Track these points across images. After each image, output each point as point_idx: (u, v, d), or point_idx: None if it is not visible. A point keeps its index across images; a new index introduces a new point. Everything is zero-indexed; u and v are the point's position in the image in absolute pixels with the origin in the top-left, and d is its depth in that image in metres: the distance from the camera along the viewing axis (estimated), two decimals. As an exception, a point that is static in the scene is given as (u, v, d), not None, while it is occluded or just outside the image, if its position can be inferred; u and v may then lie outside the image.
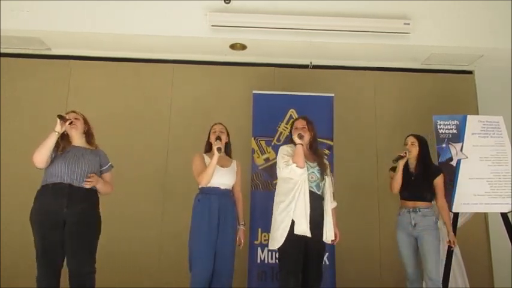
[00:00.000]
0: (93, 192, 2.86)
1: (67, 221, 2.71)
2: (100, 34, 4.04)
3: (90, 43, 4.28)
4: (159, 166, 4.23)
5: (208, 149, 3.20)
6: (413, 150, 3.34)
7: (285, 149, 3.03)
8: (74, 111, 2.99)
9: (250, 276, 3.67)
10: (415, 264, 3.25)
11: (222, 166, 3.10)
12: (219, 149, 2.98)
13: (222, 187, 3.07)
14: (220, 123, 3.27)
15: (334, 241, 3.02)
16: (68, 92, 4.37)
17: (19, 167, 4.13)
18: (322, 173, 2.98)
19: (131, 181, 4.11)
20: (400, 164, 3.29)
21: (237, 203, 3.18)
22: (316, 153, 3.08)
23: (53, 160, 2.81)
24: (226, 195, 3.08)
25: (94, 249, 2.80)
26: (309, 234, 2.80)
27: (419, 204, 3.23)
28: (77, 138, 2.94)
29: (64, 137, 2.89)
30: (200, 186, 3.08)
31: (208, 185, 3.03)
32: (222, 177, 3.07)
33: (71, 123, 2.82)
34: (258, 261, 3.69)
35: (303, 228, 2.80)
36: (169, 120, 4.37)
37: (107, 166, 3.01)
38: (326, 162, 3.10)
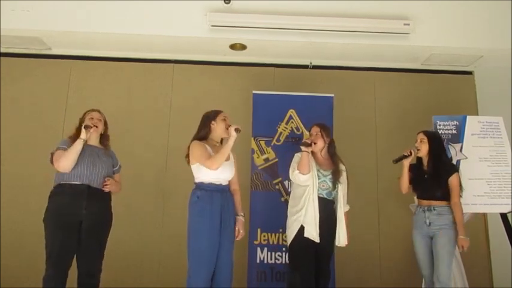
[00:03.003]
0: (107, 193, 2.94)
1: (84, 221, 2.77)
2: (100, 34, 4.05)
3: (90, 43, 4.28)
4: (159, 166, 4.23)
5: (205, 136, 2.97)
6: (423, 148, 3.21)
7: (297, 157, 3.10)
8: (98, 111, 3.06)
9: (250, 277, 3.67)
10: (431, 265, 3.11)
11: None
12: (237, 130, 2.78)
13: (224, 183, 2.89)
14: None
15: (346, 244, 3.12)
16: (68, 92, 4.37)
17: (19, 167, 4.14)
18: (335, 182, 3.05)
19: (131, 181, 4.10)
20: (405, 164, 3.19)
21: (235, 195, 2.99)
22: (332, 159, 3.13)
23: None
24: (226, 191, 2.91)
25: (104, 249, 2.90)
26: (317, 240, 2.91)
27: (434, 203, 3.12)
28: (93, 138, 3.00)
29: (78, 134, 2.91)
30: (198, 181, 2.87)
31: (210, 180, 2.82)
32: (225, 171, 2.88)
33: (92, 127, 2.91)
34: (258, 261, 3.69)
35: (312, 234, 2.92)
36: (169, 120, 4.37)
37: (117, 167, 3.10)
38: (342, 168, 3.14)
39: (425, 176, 3.20)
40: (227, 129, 2.89)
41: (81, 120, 3.02)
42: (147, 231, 4.09)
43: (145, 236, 4.08)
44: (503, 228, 3.67)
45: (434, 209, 3.11)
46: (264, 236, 3.72)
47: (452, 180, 3.17)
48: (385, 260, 4.17)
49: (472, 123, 3.82)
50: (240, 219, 2.97)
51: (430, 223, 3.09)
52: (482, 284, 4.05)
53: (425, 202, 3.17)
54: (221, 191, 2.85)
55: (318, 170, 3.03)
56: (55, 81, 4.40)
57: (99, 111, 3.08)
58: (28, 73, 4.40)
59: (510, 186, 3.64)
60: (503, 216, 3.67)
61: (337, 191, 3.05)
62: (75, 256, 2.79)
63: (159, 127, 4.34)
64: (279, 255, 3.68)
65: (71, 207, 2.74)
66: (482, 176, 3.66)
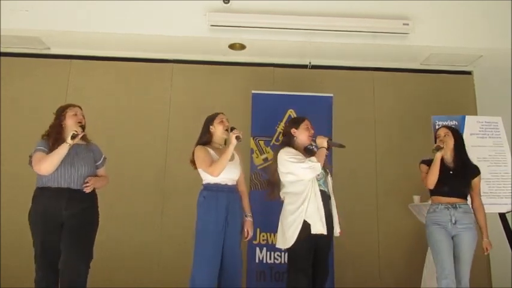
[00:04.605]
0: (90, 193, 2.77)
1: (65, 222, 2.66)
2: (99, 33, 4.05)
3: (90, 43, 4.28)
4: (158, 166, 4.24)
5: (208, 140, 3.00)
6: (449, 142, 3.07)
7: (289, 151, 2.91)
8: (79, 106, 2.90)
9: (249, 276, 3.67)
10: (452, 262, 2.95)
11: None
12: (238, 138, 2.78)
13: (230, 183, 2.91)
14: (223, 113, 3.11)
15: (341, 232, 2.99)
16: (67, 91, 4.37)
17: (19, 167, 4.12)
18: (325, 168, 2.97)
19: (130, 181, 4.13)
20: (438, 156, 2.99)
21: (242, 196, 3.02)
22: (311, 152, 3.03)
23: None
24: (233, 191, 2.93)
25: (89, 250, 2.72)
26: (325, 232, 2.78)
27: (458, 200, 2.99)
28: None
29: (59, 132, 2.77)
30: (205, 182, 2.91)
31: (216, 181, 2.85)
32: (230, 172, 2.89)
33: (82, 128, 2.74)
34: (257, 261, 3.69)
35: (319, 228, 2.77)
36: (168, 119, 4.37)
37: (101, 161, 2.91)
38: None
39: (451, 173, 3.04)
40: (226, 130, 2.94)
41: (59, 116, 2.83)
42: (146, 231, 4.09)
43: (144, 236, 4.08)
44: (502, 228, 3.67)
45: (460, 207, 2.97)
46: (263, 236, 3.73)
47: (477, 181, 3.07)
48: (384, 260, 4.17)
49: (471, 123, 3.82)
50: (249, 219, 3.00)
51: (456, 221, 2.94)
52: (481, 284, 4.05)
53: (446, 199, 3.00)
54: (226, 191, 2.88)
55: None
56: (54, 80, 4.41)
57: (79, 106, 2.90)
58: (27, 73, 4.41)
59: (509, 186, 3.65)
60: (502, 216, 3.67)
61: (327, 181, 2.96)
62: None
63: (158, 127, 4.35)
64: (278, 255, 3.68)
65: (51, 208, 2.64)
66: (481, 176, 3.66)
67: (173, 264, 3.97)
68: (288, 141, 3.01)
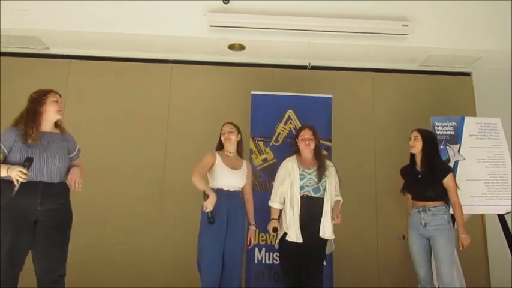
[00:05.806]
0: (64, 185, 2.59)
1: (40, 219, 2.44)
2: (98, 33, 4.05)
3: (89, 42, 4.28)
4: (157, 166, 4.23)
5: (220, 147, 3.24)
6: (417, 145, 3.20)
7: (285, 166, 3.18)
8: (57, 92, 2.71)
9: (248, 277, 3.67)
10: (427, 265, 3.12)
11: (233, 168, 3.12)
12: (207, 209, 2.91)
13: (232, 189, 3.08)
14: (230, 123, 3.28)
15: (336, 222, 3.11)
16: (66, 92, 4.35)
17: (17, 167, 4.13)
18: (320, 176, 3.10)
19: (129, 182, 4.12)
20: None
21: (247, 204, 3.19)
22: (318, 157, 3.20)
23: (15, 148, 2.49)
24: (235, 196, 3.09)
25: (67, 250, 2.56)
26: (299, 241, 2.98)
27: (429, 203, 3.10)
28: (47, 124, 2.62)
29: (35, 119, 2.55)
30: (210, 186, 3.07)
31: (218, 186, 3.04)
32: (232, 179, 3.09)
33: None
34: (256, 261, 3.69)
35: (292, 237, 3.00)
36: (168, 120, 4.37)
37: (75, 152, 2.71)
38: (328, 163, 3.22)
39: (419, 176, 3.18)
40: (231, 131, 3.20)
41: (38, 100, 2.62)
42: (145, 232, 4.08)
43: (143, 237, 4.07)
44: (501, 229, 3.67)
45: (429, 210, 3.08)
46: (262, 237, 3.72)
47: (448, 181, 3.14)
48: (383, 259, 4.18)
49: (470, 124, 3.83)
50: (252, 228, 3.20)
51: (425, 224, 3.07)
52: (479, 284, 4.05)
53: (420, 203, 3.15)
54: (227, 196, 3.03)
55: (303, 170, 3.11)
56: (54, 80, 4.37)
57: (59, 94, 2.69)
58: (27, 73, 4.39)
59: (508, 187, 3.65)
60: (501, 217, 3.68)
61: (324, 187, 3.09)
62: (31, 261, 2.48)
63: (158, 127, 4.34)
64: (276, 256, 3.67)
65: (24, 203, 2.39)
66: (480, 177, 3.67)
67: (172, 265, 3.97)
68: (295, 149, 3.28)
